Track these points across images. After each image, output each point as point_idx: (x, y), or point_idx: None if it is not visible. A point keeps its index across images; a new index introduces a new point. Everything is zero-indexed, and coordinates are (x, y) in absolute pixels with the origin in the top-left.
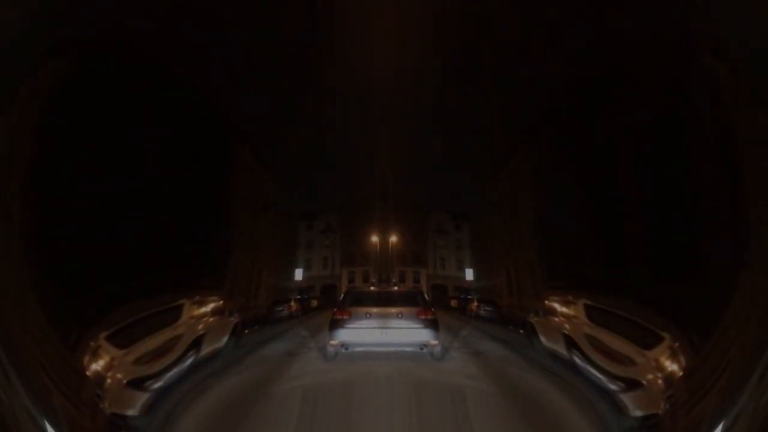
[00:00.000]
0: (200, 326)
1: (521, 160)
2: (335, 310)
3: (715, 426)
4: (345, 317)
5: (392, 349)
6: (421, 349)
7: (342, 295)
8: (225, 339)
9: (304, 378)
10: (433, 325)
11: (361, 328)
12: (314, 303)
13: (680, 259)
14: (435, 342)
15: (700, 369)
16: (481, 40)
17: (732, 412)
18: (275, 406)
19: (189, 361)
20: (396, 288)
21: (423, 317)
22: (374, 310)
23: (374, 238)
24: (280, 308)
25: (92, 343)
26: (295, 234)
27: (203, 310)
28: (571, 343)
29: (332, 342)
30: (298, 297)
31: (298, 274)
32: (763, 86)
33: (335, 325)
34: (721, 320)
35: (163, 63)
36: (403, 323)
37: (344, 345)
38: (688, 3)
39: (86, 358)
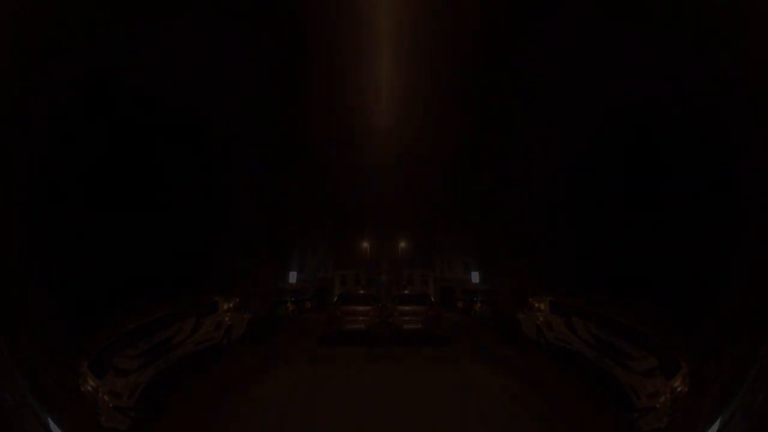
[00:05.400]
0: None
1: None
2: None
3: (711, 424)
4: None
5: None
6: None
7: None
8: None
9: None
10: (436, 318)
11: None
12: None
13: (674, 267)
14: (439, 329)
15: (699, 367)
16: (488, 55)
17: (728, 410)
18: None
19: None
20: (407, 292)
21: (430, 313)
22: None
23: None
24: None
25: (99, 346)
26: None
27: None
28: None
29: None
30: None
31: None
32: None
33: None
34: (718, 323)
35: (175, 90)
36: (418, 316)
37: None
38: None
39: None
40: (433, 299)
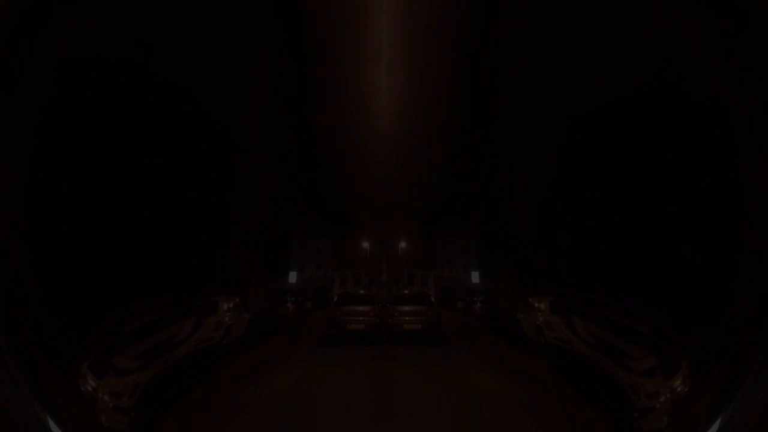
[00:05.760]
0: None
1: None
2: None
3: (713, 421)
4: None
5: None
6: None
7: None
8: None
9: None
10: (437, 318)
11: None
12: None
13: (674, 267)
14: (438, 329)
15: (699, 367)
16: (489, 57)
17: (728, 410)
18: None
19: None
20: (407, 292)
21: (430, 313)
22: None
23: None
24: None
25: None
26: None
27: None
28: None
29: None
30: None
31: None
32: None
33: None
34: (718, 323)
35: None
36: (418, 317)
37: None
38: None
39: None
40: (433, 299)
